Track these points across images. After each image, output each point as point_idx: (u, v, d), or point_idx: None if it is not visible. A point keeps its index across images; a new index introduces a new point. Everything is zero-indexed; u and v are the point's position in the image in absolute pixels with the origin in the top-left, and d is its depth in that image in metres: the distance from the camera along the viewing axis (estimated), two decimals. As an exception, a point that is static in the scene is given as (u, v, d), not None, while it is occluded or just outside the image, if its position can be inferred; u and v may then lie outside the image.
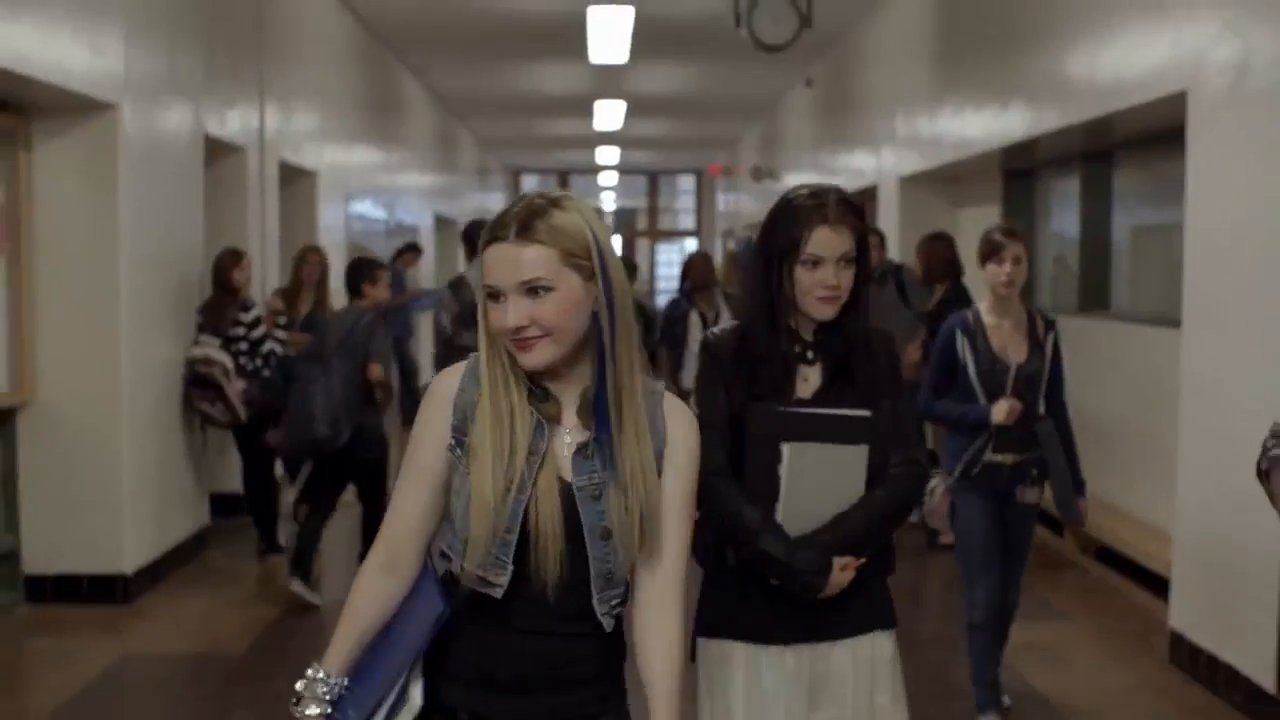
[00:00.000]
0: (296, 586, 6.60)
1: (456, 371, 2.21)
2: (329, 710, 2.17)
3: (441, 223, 18.60)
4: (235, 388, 7.41)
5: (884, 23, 11.64)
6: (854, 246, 2.84)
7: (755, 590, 2.85)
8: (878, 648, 2.91)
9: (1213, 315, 5.46)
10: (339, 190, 11.70)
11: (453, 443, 2.16)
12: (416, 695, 2.17)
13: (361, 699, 2.17)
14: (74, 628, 6.30)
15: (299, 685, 2.20)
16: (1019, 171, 9.67)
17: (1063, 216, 9.27)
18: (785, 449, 2.79)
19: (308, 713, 2.17)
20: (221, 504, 8.36)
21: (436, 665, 2.19)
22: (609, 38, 12.51)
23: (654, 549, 2.19)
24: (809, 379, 2.89)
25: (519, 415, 2.13)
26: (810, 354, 2.89)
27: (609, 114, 18.55)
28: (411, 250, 14.02)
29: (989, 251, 4.71)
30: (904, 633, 3.09)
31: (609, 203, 33.35)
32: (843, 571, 2.79)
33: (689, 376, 8.19)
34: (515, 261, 2.08)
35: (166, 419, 7.29)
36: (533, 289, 2.08)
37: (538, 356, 2.11)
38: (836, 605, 2.84)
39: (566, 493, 2.14)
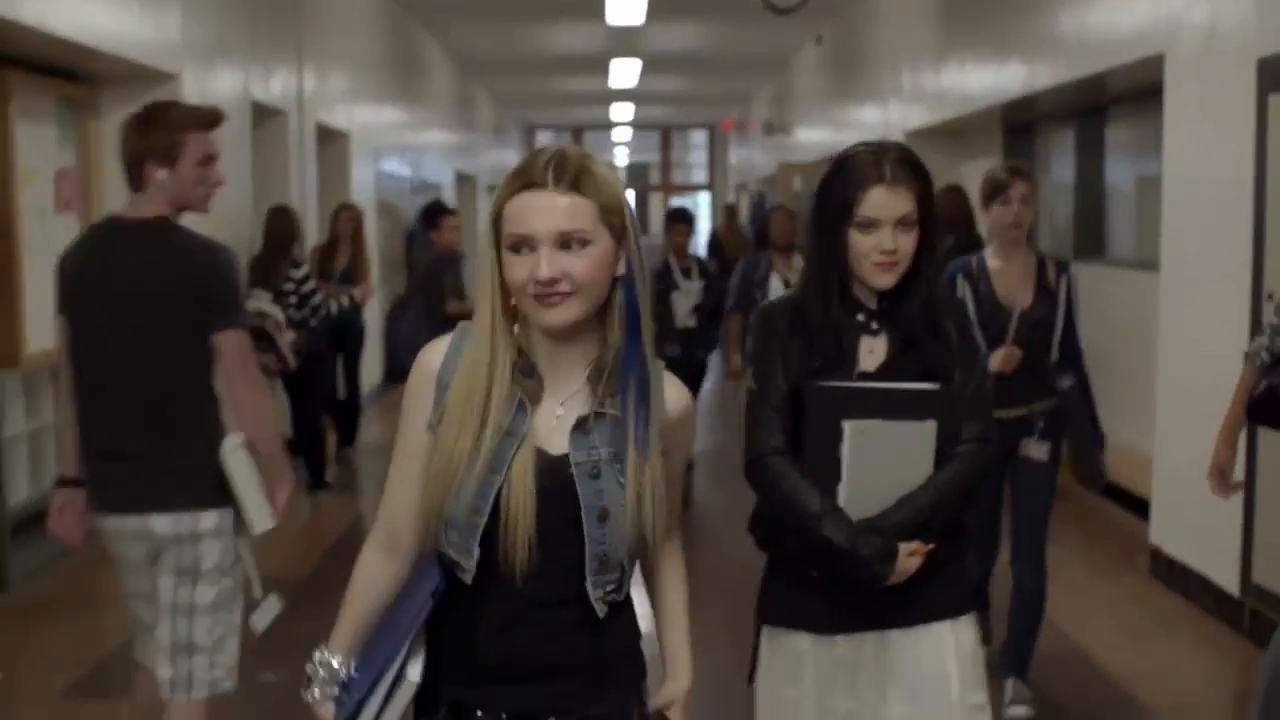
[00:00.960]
0: None
1: (442, 344, 2.09)
2: (335, 692, 2.11)
3: (462, 179, 19.12)
4: (286, 338, 7.96)
5: (891, -18, 12.09)
6: (915, 208, 2.64)
7: (817, 577, 2.70)
8: (960, 636, 2.72)
9: (1186, 261, 5.99)
10: (369, 150, 12.23)
11: (434, 420, 2.06)
12: (414, 673, 2.07)
13: (360, 680, 2.09)
14: (148, 557, 6.89)
15: (308, 668, 2.14)
16: (1019, 125, 10.15)
17: (1060, 168, 9.76)
18: (846, 427, 2.60)
19: (315, 696, 2.12)
20: (269, 447, 8.93)
21: (432, 651, 2.10)
22: (626, 1, 12.97)
23: (665, 524, 2.11)
24: (874, 351, 2.69)
25: (497, 390, 2.01)
26: (875, 324, 2.69)
27: (625, 72, 18.99)
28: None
29: (993, 192, 4.45)
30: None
31: (622, 157, 33.82)
32: (910, 557, 2.61)
33: None
34: (556, 210, 1.95)
35: (224, 366, 7.86)
36: (568, 241, 1.96)
37: (563, 314, 1.98)
38: (906, 591, 2.65)
39: (559, 469, 2.01)
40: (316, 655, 2.13)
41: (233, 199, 8.16)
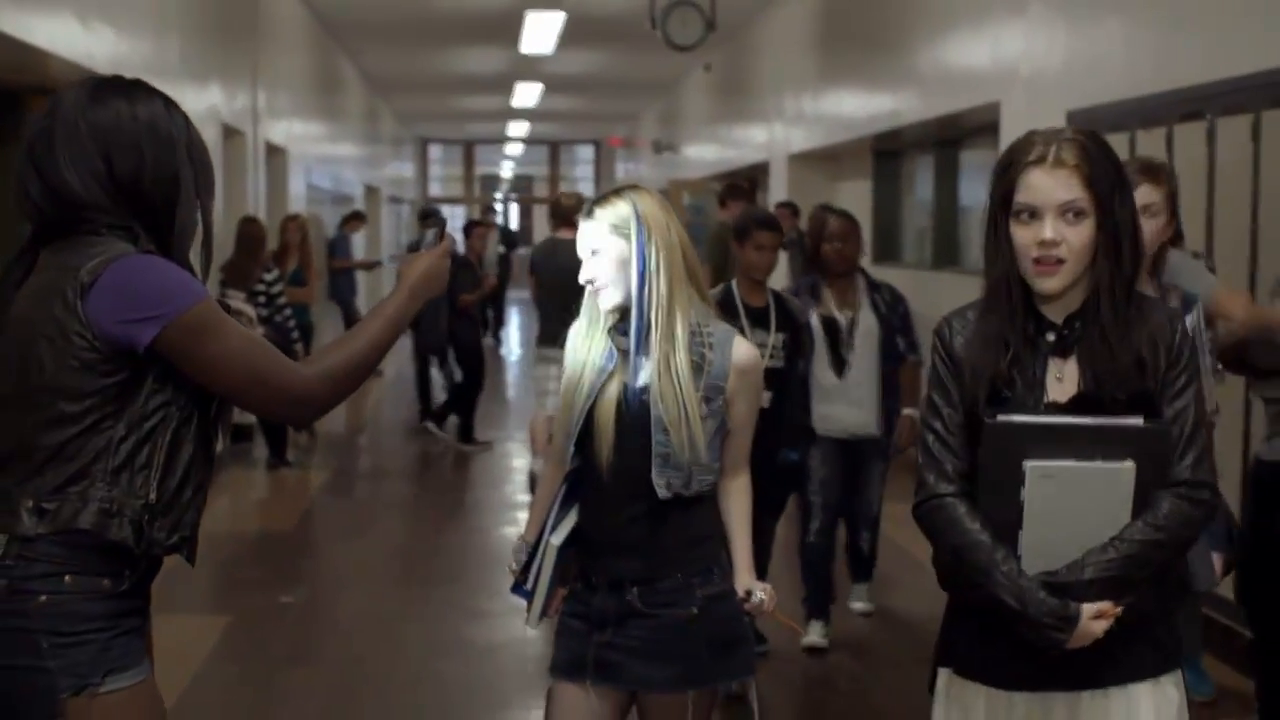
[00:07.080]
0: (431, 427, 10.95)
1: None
2: (523, 559, 2.93)
3: (370, 190, 20.21)
4: (256, 333, 9.10)
5: (776, 17, 13.48)
6: (1086, 195, 2.26)
7: (1000, 626, 2.34)
8: (1160, 698, 2.39)
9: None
10: (301, 164, 13.34)
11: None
12: (556, 539, 2.85)
13: (532, 549, 2.92)
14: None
15: (511, 551, 3.04)
16: (887, 152, 11.62)
17: (922, 189, 11.24)
18: (1028, 469, 2.26)
19: (512, 565, 2.97)
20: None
21: (578, 531, 2.89)
22: (540, 34, 14.30)
23: (731, 448, 2.90)
24: (1063, 378, 2.33)
25: (596, 342, 2.88)
26: (1065, 345, 2.33)
27: (527, 94, 20.23)
28: (356, 218, 15.68)
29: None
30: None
31: (508, 170, 35.01)
32: (1095, 621, 2.28)
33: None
34: (582, 234, 2.88)
35: (203, 356, 8.99)
36: (592, 252, 2.85)
37: (600, 300, 2.85)
38: (1101, 647, 2.32)
39: (639, 395, 2.78)
40: (515, 543, 3.04)
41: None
